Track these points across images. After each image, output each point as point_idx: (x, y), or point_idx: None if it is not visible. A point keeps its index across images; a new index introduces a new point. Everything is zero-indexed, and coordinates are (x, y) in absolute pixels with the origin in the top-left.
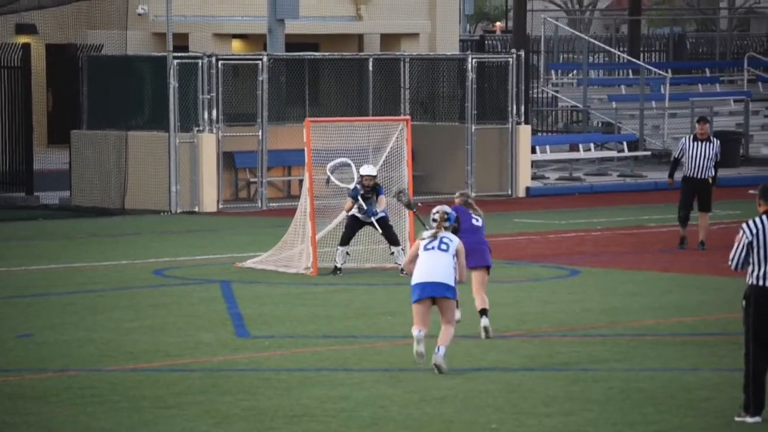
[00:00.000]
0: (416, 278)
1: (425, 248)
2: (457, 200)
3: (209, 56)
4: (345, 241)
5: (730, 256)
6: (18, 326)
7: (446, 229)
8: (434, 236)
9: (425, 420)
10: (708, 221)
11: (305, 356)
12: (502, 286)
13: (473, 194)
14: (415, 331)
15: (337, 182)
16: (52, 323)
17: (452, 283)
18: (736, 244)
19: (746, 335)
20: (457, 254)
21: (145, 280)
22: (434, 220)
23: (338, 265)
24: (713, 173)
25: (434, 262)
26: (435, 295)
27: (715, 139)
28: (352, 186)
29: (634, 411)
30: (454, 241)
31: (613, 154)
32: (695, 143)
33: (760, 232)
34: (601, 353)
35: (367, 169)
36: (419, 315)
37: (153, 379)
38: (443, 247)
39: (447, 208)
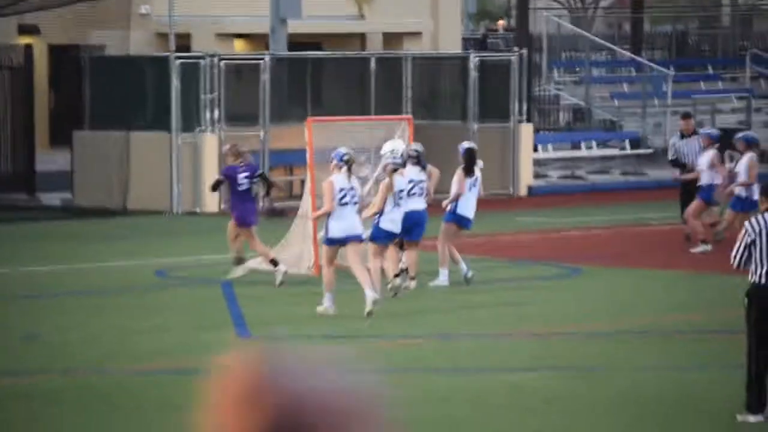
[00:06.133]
0: (338, 232)
1: (341, 202)
2: (228, 150)
3: (211, 56)
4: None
5: (732, 254)
6: (21, 327)
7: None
8: (348, 183)
9: (429, 420)
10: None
11: None
12: (504, 285)
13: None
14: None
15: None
16: (55, 324)
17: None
18: (738, 242)
19: (748, 334)
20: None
21: (147, 281)
22: (346, 161)
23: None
24: None
25: (352, 218)
26: (350, 241)
27: (702, 131)
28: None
29: (638, 409)
30: (357, 189)
31: (616, 152)
32: (683, 140)
33: (763, 231)
34: (604, 352)
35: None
36: (333, 256)
37: (156, 380)
38: (355, 200)
39: (343, 150)
